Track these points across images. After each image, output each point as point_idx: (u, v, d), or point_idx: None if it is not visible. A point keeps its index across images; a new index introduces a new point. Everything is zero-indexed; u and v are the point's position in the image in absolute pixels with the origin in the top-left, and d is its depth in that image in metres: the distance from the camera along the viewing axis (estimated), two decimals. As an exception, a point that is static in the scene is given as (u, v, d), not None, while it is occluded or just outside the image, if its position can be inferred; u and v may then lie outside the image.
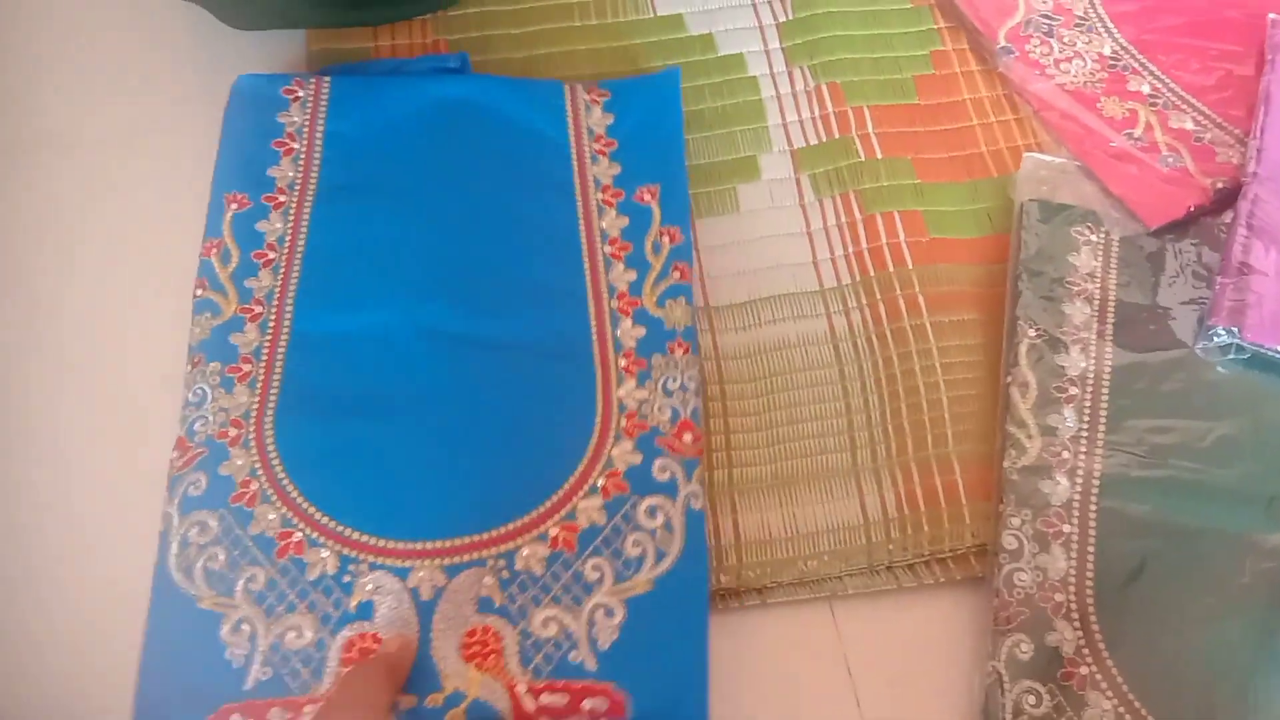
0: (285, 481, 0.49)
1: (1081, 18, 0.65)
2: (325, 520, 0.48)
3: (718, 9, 0.67)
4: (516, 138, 0.59)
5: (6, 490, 0.53)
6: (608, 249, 0.56)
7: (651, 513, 0.48)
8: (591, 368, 0.52)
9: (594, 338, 0.53)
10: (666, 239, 0.56)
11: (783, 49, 0.66)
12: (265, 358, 0.52)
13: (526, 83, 0.62)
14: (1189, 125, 0.61)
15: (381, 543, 0.47)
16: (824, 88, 0.64)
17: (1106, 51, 0.64)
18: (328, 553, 0.47)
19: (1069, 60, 0.63)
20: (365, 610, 0.46)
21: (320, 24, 0.65)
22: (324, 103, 0.60)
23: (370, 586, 0.46)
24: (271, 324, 0.53)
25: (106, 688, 0.46)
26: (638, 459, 0.50)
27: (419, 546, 0.47)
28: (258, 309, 0.53)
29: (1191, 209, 0.58)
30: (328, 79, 0.61)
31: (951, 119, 0.63)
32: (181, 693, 0.45)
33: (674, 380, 0.52)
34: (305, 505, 0.48)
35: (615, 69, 0.64)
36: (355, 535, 0.47)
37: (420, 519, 0.48)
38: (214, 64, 0.64)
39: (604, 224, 0.57)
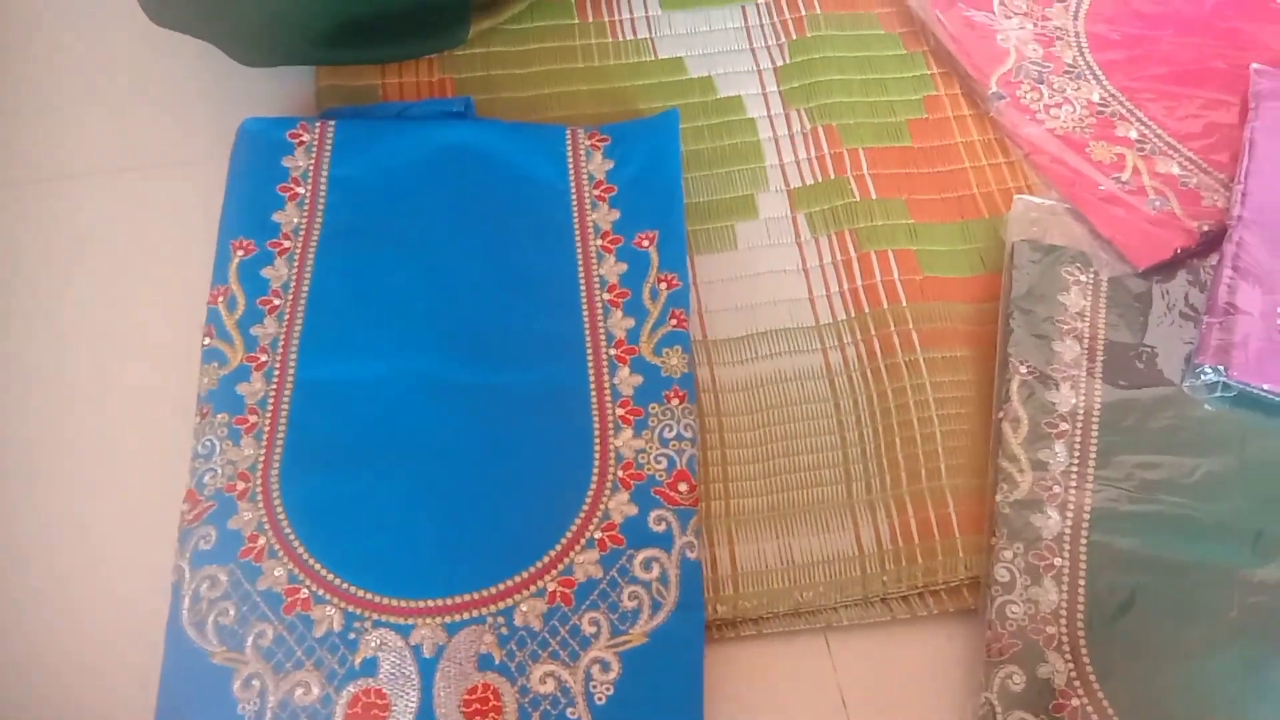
0: (291, 537, 0.49)
1: (1071, 65, 0.67)
2: (330, 577, 0.49)
3: (717, 53, 0.69)
4: (518, 184, 0.60)
5: (20, 513, 0.54)
6: (606, 296, 0.57)
7: (647, 565, 0.49)
8: (589, 418, 0.53)
9: (592, 387, 0.54)
10: (664, 285, 0.57)
11: (780, 92, 0.67)
12: (270, 408, 0.53)
13: (529, 128, 0.62)
14: (1175, 170, 0.62)
15: (384, 600, 0.48)
16: (820, 130, 0.65)
17: (1095, 98, 0.65)
18: (333, 610, 0.48)
19: (1059, 106, 0.65)
20: (369, 667, 0.47)
21: (329, 62, 0.66)
22: (328, 147, 0.61)
23: (374, 644, 0.47)
24: (276, 373, 0.54)
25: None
26: (634, 510, 0.50)
27: (420, 604, 0.48)
28: (263, 357, 0.54)
29: (1178, 251, 0.59)
30: (333, 123, 0.61)
31: (944, 161, 0.65)
32: None
33: (670, 429, 0.53)
34: (311, 561, 0.49)
35: (617, 109, 0.66)
36: (359, 593, 0.48)
37: (421, 576, 0.49)
38: (225, 99, 0.66)
39: (603, 270, 0.57)
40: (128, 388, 0.57)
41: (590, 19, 0.70)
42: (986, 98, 0.66)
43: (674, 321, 0.55)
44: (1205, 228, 0.59)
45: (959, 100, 0.68)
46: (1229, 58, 0.66)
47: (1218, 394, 0.54)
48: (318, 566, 0.49)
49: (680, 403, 0.53)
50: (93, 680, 0.50)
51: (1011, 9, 0.69)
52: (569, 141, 0.61)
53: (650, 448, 0.52)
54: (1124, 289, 0.58)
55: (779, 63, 0.69)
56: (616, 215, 0.59)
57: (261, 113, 0.63)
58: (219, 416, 0.52)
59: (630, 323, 0.56)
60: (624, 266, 0.57)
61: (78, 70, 0.68)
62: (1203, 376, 0.54)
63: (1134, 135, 0.64)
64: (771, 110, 0.67)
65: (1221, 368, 0.54)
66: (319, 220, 0.58)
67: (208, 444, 0.52)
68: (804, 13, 0.70)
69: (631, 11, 0.71)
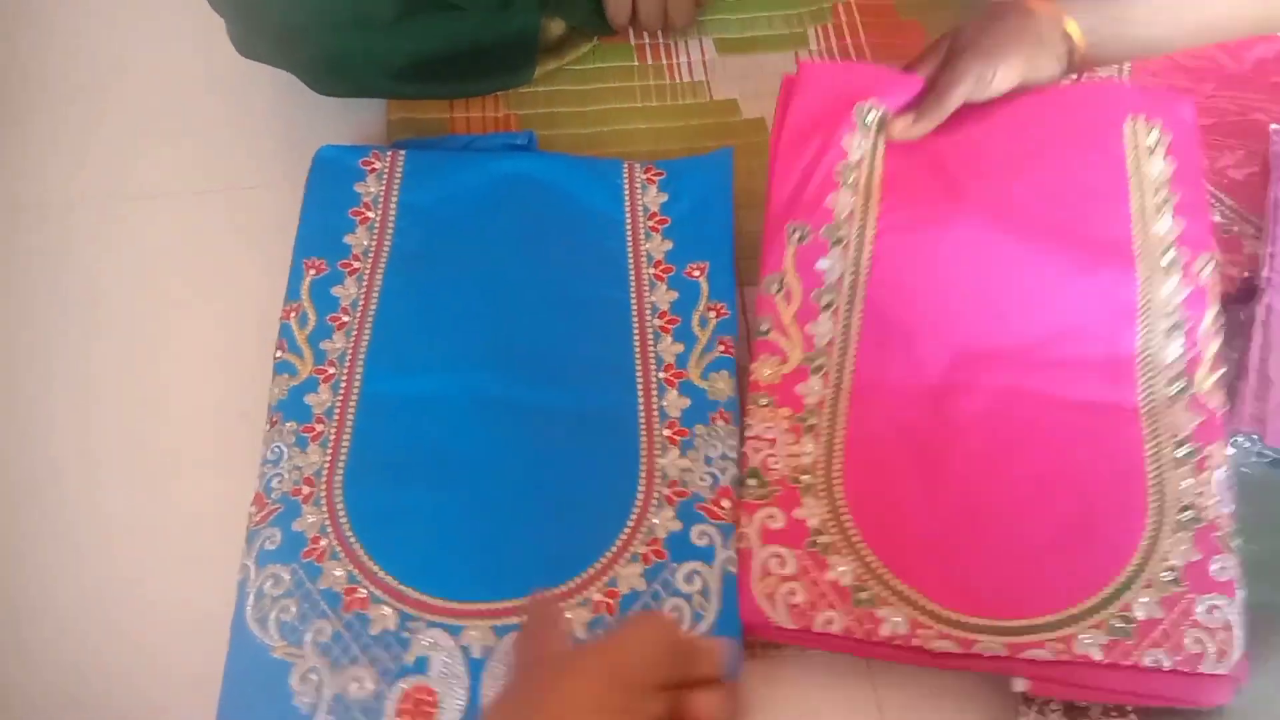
0: (352, 540, 0.52)
1: None
2: (387, 579, 0.51)
3: (770, 94, 0.71)
4: (576, 214, 0.62)
5: (98, 513, 0.57)
6: (657, 322, 0.59)
7: (690, 578, 0.51)
8: (637, 437, 0.55)
9: (640, 408, 0.56)
10: (713, 314, 0.59)
11: (831, 135, 0.70)
12: (336, 418, 0.55)
13: (588, 161, 0.65)
14: (1217, 218, 0.63)
15: (437, 602, 0.50)
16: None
17: None
18: (389, 610, 0.50)
19: None
20: (421, 665, 0.49)
21: (401, 95, 0.70)
22: (399, 175, 0.64)
23: (426, 642, 0.49)
24: (343, 385, 0.56)
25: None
26: (678, 526, 0.52)
27: (471, 607, 0.50)
28: (330, 370, 0.57)
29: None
30: (403, 152, 0.64)
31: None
32: None
33: (715, 449, 0.54)
34: (369, 563, 0.51)
35: (673, 147, 0.68)
36: (414, 594, 0.50)
37: (472, 581, 0.51)
38: (301, 127, 0.70)
39: (654, 298, 0.59)
40: (201, 396, 0.60)
41: (649, 61, 0.73)
42: None
43: (721, 348, 0.57)
44: (1246, 274, 0.61)
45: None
46: (1270, 112, 0.68)
47: (1254, 459, 0.55)
48: (375, 568, 0.51)
49: (725, 424, 0.55)
50: (158, 671, 0.52)
51: None
52: (626, 174, 0.64)
53: (696, 467, 0.54)
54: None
55: (833, 106, 0.71)
56: (669, 246, 0.61)
57: (335, 141, 0.66)
58: (288, 425, 0.55)
59: (679, 348, 0.58)
60: (675, 295, 0.60)
61: (167, 96, 0.73)
62: (1240, 443, 0.55)
63: (1178, 185, 0.65)
64: (822, 151, 0.69)
65: (1258, 435, 0.55)
66: (388, 243, 0.61)
67: (276, 450, 0.54)
68: (854, 58, 0.73)
69: (689, 54, 0.74)
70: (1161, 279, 0.56)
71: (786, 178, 0.59)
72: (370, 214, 0.62)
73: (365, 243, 0.61)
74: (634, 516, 0.52)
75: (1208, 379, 0.54)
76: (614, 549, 0.52)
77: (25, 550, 0.56)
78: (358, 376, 0.56)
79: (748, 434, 0.54)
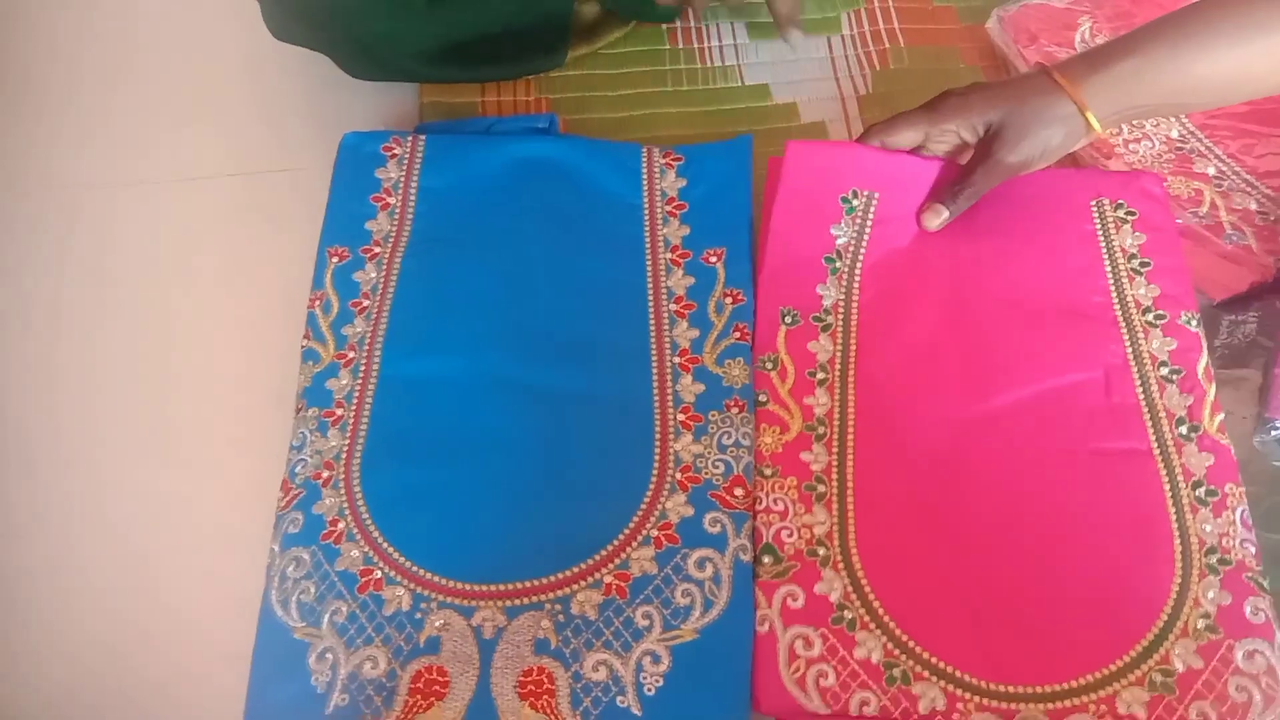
0: (368, 521, 0.52)
1: None
2: (402, 560, 0.51)
3: (802, 80, 0.72)
4: (594, 199, 0.62)
5: (129, 495, 0.58)
6: (673, 307, 0.59)
7: (701, 564, 0.51)
8: (651, 422, 0.55)
9: (655, 393, 0.56)
10: (729, 300, 0.59)
11: (862, 119, 0.69)
12: (355, 401, 0.56)
13: (607, 145, 0.65)
14: (1253, 206, 0.62)
15: (450, 583, 0.51)
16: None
17: (1174, 135, 0.66)
18: (403, 590, 0.51)
19: (1138, 141, 0.66)
20: (433, 645, 0.49)
21: (433, 79, 0.70)
22: (419, 160, 0.64)
23: (439, 623, 0.50)
24: (362, 368, 0.57)
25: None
26: (690, 511, 0.52)
27: (483, 588, 0.51)
28: (351, 354, 0.57)
29: (1253, 284, 0.60)
30: (423, 137, 0.65)
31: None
32: (277, 716, 0.49)
33: (729, 436, 0.54)
34: (384, 544, 0.52)
35: (703, 131, 0.68)
36: (427, 575, 0.51)
37: (485, 562, 0.51)
38: (334, 111, 0.71)
39: (670, 283, 0.59)
40: (231, 380, 0.61)
41: (681, 45, 0.73)
42: None
43: (737, 334, 0.57)
44: (1281, 263, 0.60)
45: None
46: (1309, 99, 0.67)
47: (1285, 450, 0.55)
48: (390, 549, 0.51)
49: (739, 412, 0.55)
50: (195, 650, 0.53)
51: (1094, 46, 0.71)
52: (644, 159, 0.64)
53: (709, 453, 0.54)
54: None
55: (862, 92, 0.71)
56: (687, 231, 0.61)
57: (368, 124, 0.67)
58: (310, 411, 0.56)
59: (695, 334, 0.58)
60: (691, 280, 0.60)
61: (200, 79, 0.74)
62: (1273, 432, 0.55)
63: (1212, 171, 0.64)
64: (853, 137, 0.69)
65: None
66: (408, 228, 0.62)
67: (300, 436, 0.55)
68: (888, 45, 0.73)
69: (720, 39, 0.74)
70: (1145, 335, 0.57)
71: (777, 260, 0.60)
72: (391, 199, 0.63)
73: (386, 228, 0.62)
74: (647, 500, 0.53)
75: (1214, 420, 0.54)
76: (626, 531, 0.52)
77: (63, 531, 0.57)
78: (376, 360, 0.57)
79: (758, 508, 0.53)
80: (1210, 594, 0.49)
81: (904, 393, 0.56)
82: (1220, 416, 0.54)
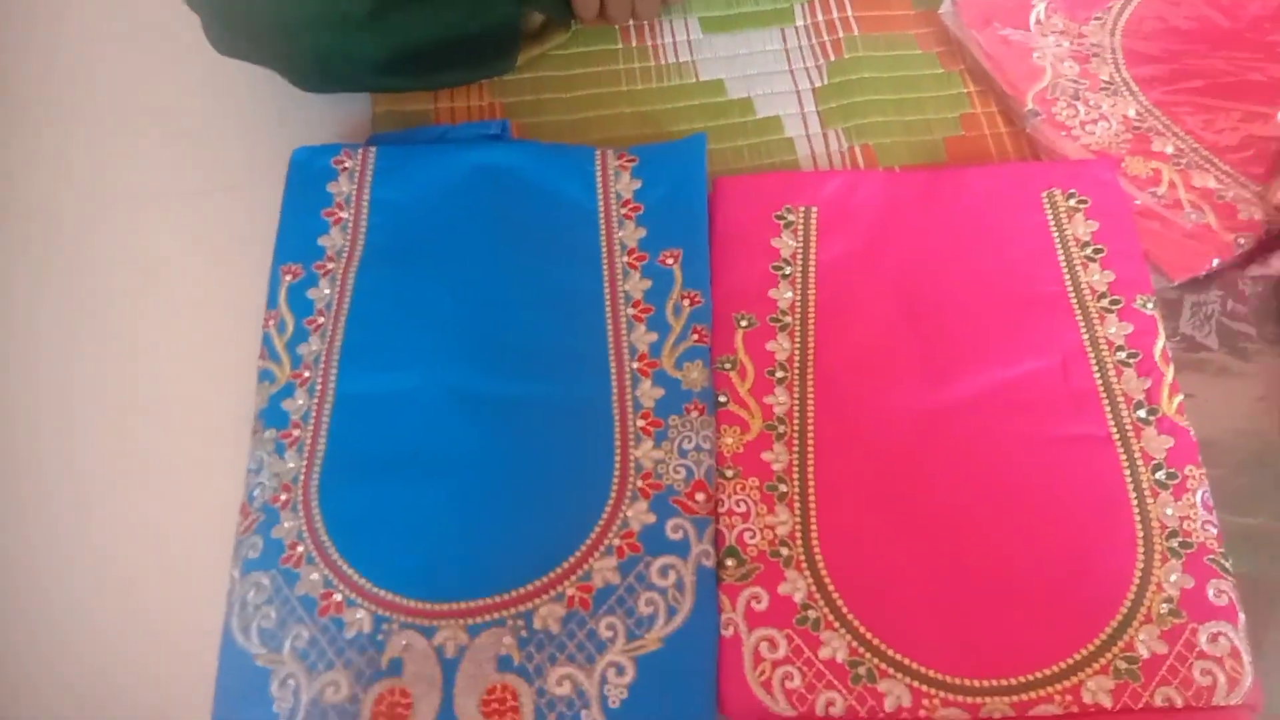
0: (326, 543, 0.52)
1: (1107, 81, 0.67)
2: (362, 581, 0.51)
3: (757, 74, 0.71)
4: (549, 204, 0.62)
5: (91, 519, 0.57)
6: (630, 311, 0.58)
7: (664, 572, 0.50)
8: (611, 429, 0.55)
9: (614, 399, 0.55)
10: (687, 302, 0.58)
11: (819, 112, 0.69)
12: (313, 421, 0.55)
13: (561, 149, 0.65)
14: (1212, 183, 0.62)
15: (411, 603, 0.50)
16: (857, 149, 0.67)
17: (1131, 114, 0.66)
18: (363, 613, 0.50)
19: (1094, 122, 0.65)
20: (395, 667, 0.49)
21: (385, 89, 0.70)
22: (370, 172, 0.63)
23: (401, 644, 0.49)
24: (319, 387, 0.56)
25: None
26: (652, 519, 0.52)
27: (444, 607, 0.50)
28: (306, 374, 0.57)
29: (1215, 263, 0.59)
30: (374, 149, 0.64)
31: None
32: None
33: (689, 440, 0.54)
34: (344, 566, 0.51)
35: (659, 131, 0.68)
36: (388, 596, 0.50)
37: (446, 580, 0.51)
38: (285, 125, 0.70)
39: (627, 287, 0.59)
40: (193, 402, 0.60)
41: (634, 43, 0.73)
42: (1023, 115, 0.67)
43: (696, 337, 0.57)
44: (1242, 240, 0.60)
45: (996, 118, 0.69)
46: (1266, 71, 0.66)
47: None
48: (350, 571, 0.51)
49: (699, 415, 0.55)
50: (155, 681, 0.53)
51: (1048, 27, 0.70)
52: (598, 162, 0.63)
53: (670, 458, 0.53)
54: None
55: (817, 84, 0.70)
56: (643, 233, 0.61)
57: (320, 137, 0.67)
58: (268, 433, 0.55)
59: (653, 337, 0.57)
60: (648, 283, 0.59)
61: (146, 98, 0.72)
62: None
63: (1170, 150, 0.64)
64: (810, 130, 0.68)
65: None
66: (361, 242, 0.61)
67: (257, 459, 0.55)
68: (842, 34, 0.72)
69: (674, 35, 0.73)
70: (1101, 320, 0.56)
71: (726, 274, 0.60)
72: (343, 213, 0.62)
73: (339, 242, 0.61)
74: (608, 509, 0.52)
75: (1173, 402, 0.54)
76: (588, 542, 0.51)
77: (17, 558, 0.56)
78: (332, 378, 0.56)
79: (719, 510, 0.53)
80: (1173, 578, 0.49)
81: (862, 387, 0.55)
82: (1179, 398, 0.54)
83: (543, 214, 0.61)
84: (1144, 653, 0.47)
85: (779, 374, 0.56)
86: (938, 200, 0.61)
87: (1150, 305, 0.57)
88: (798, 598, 0.50)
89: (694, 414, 0.55)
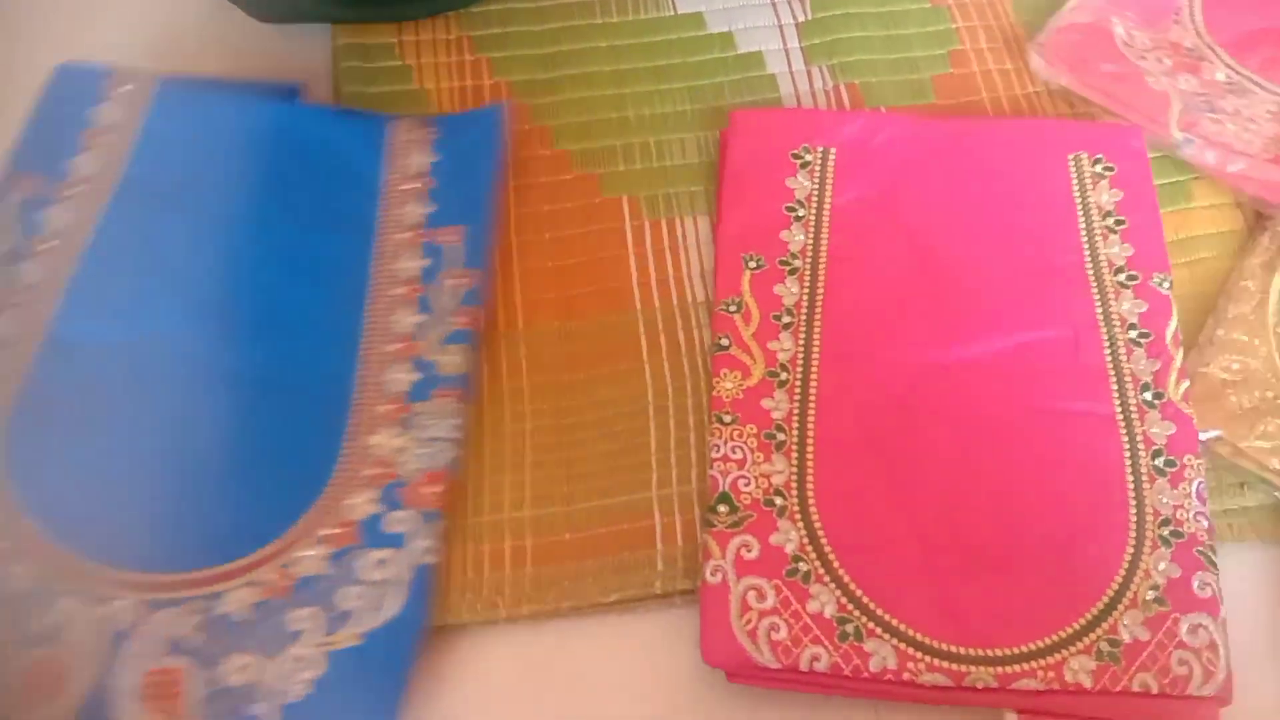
0: (7, 485, 0.48)
1: (1229, 82, 0.63)
2: (37, 534, 0.46)
3: (737, 7, 0.67)
4: (326, 173, 0.58)
5: None
6: (400, 290, 0.55)
7: (379, 565, 0.47)
8: (344, 412, 0.51)
9: (357, 383, 0.52)
10: (462, 282, 0.55)
11: (802, 48, 0.66)
12: (15, 355, 0.51)
13: (353, 116, 0.61)
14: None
15: (87, 565, 0.46)
16: (842, 88, 0.64)
17: (1272, 108, 0.62)
18: (28, 568, 0.46)
19: (1244, 129, 0.61)
20: (54, 633, 0.44)
21: (347, 19, 0.66)
22: (148, 101, 0.59)
23: (64, 609, 0.45)
24: (28, 321, 0.52)
25: None
26: (374, 509, 0.48)
27: (125, 576, 0.46)
28: (15, 300, 0.52)
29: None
30: (156, 76, 0.60)
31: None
32: None
33: (436, 429, 0.51)
34: (24, 517, 0.47)
35: (634, 66, 0.64)
36: (63, 553, 0.46)
37: (133, 547, 0.47)
38: (238, 55, 0.65)
39: (400, 265, 0.55)
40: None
41: (610, -27, 0.69)
42: (1173, 146, 0.61)
43: (463, 319, 0.54)
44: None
45: (985, 54, 0.66)
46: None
47: None
48: (27, 522, 0.47)
49: (450, 401, 0.51)
50: None
51: (1138, 48, 0.65)
52: (389, 132, 0.60)
53: (410, 446, 0.50)
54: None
55: (800, 18, 0.67)
56: (431, 209, 0.57)
57: (277, 71, 0.63)
58: None
59: (420, 319, 0.54)
60: (426, 262, 0.55)
61: (94, 22, 0.68)
62: None
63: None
64: (793, 67, 0.65)
65: None
66: (120, 172, 0.56)
67: None
68: (830, -41, 0.69)
69: (651, -35, 0.69)
70: (1116, 295, 0.56)
71: (736, 212, 0.58)
72: (105, 138, 0.57)
73: (93, 168, 0.56)
74: (326, 495, 0.49)
75: (1179, 387, 0.53)
76: (297, 527, 0.48)
77: None
78: (49, 313, 0.52)
79: (714, 455, 0.50)
80: (1161, 565, 0.48)
81: (870, 337, 0.54)
82: (1185, 384, 0.53)
83: (317, 182, 0.58)
84: (1126, 637, 0.47)
85: (785, 319, 0.54)
86: (961, 152, 0.59)
87: (1166, 285, 0.56)
88: (789, 549, 0.48)
89: (445, 400, 0.51)
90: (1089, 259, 0.57)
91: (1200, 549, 0.49)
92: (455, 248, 0.56)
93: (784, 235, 0.57)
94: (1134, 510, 0.50)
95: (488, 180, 0.58)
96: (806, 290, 0.56)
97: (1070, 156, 0.60)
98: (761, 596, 0.48)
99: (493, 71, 0.64)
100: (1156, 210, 0.59)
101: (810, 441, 0.51)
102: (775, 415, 0.52)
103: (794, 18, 0.67)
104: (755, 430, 0.52)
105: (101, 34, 0.67)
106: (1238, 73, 0.64)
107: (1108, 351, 0.54)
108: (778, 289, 0.56)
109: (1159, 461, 0.51)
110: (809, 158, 0.60)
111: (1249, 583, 0.51)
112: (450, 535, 0.50)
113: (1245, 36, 0.65)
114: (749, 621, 0.47)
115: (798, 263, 0.56)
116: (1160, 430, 0.52)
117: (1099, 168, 0.60)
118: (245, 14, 0.64)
